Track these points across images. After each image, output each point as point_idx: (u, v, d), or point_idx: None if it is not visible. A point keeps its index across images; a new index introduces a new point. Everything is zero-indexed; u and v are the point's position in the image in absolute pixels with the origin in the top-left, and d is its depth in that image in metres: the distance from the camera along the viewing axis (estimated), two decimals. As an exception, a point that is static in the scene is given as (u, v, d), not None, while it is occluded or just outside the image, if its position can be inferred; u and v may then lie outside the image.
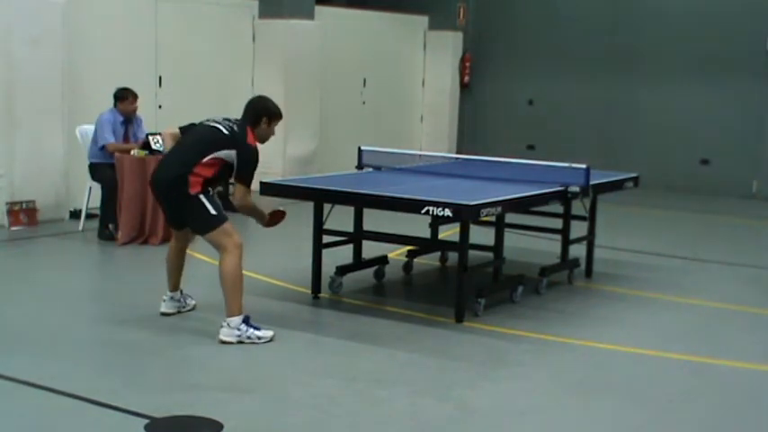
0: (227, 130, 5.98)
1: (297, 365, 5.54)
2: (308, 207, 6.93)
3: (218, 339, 5.85)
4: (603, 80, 14.47)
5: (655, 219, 11.52)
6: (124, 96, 9.09)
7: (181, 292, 6.48)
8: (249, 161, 5.94)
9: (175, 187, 5.92)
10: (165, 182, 6.01)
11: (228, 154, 5.92)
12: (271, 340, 5.87)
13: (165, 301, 6.41)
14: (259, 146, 6.08)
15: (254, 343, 5.83)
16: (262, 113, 6.09)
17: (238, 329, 5.84)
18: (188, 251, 6.52)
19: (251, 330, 5.87)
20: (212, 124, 6.05)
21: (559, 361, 5.80)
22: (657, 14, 14.02)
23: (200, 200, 5.90)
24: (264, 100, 6.24)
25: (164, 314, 6.37)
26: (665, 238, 8.92)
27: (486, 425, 4.76)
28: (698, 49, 13.63)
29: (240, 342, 5.82)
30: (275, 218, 6.33)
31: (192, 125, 6.21)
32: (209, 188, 6.00)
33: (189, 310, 6.49)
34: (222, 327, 5.87)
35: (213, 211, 5.91)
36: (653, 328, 6.64)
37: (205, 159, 5.89)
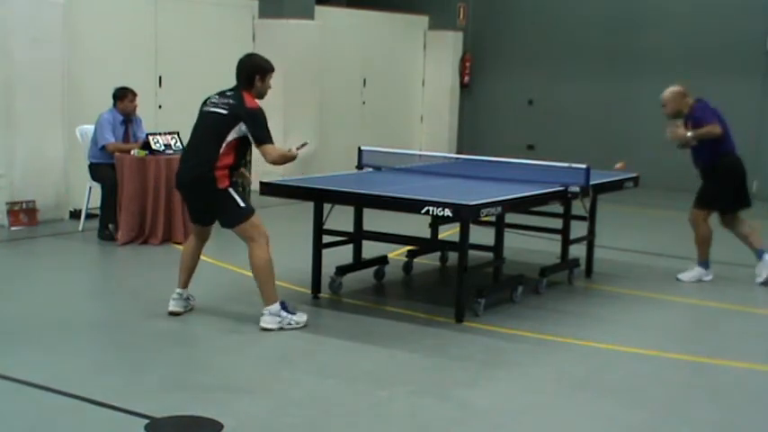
0: (225, 108, 6.01)
1: (297, 365, 5.54)
2: (308, 207, 6.93)
3: (260, 327, 6.02)
4: (603, 80, 14.47)
5: (655, 219, 11.51)
6: (123, 95, 9.09)
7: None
8: (258, 122, 6.01)
9: (204, 185, 6.02)
10: (191, 182, 6.11)
11: (238, 130, 5.99)
12: (306, 324, 6.10)
13: (174, 299, 6.40)
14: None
15: (293, 329, 6.04)
16: (253, 72, 6.12)
17: (279, 316, 6.04)
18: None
19: (290, 316, 6.08)
20: (211, 109, 6.08)
21: (559, 361, 5.80)
22: (657, 14, 14.02)
23: (229, 193, 6.02)
24: (252, 57, 6.30)
25: (172, 313, 6.36)
26: (665, 238, 8.93)
27: (486, 425, 4.76)
28: (698, 49, 13.62)
29: (281, 328, 6.01)
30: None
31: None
32: (234, 174, 6.11)
33: (188, 310, 6.49)
34: (263, 315, 6.03)
35: (242, 204, 6.06)
36: (653, 328, 6.65)
37: (222, 150, 5.96)
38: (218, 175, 5.97)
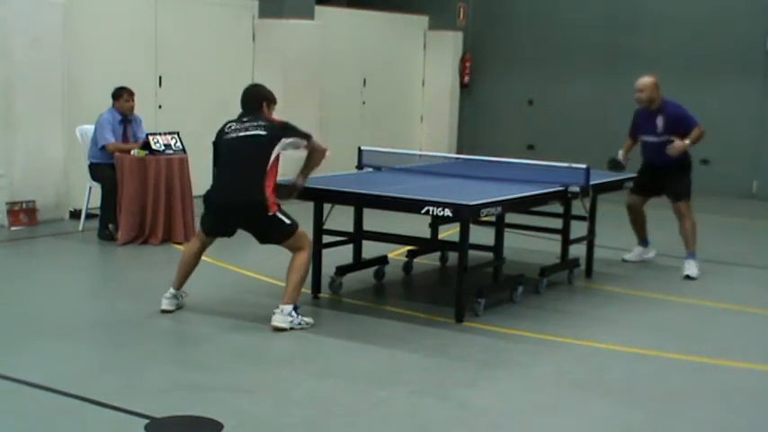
0: (262, 129, 6.20)
1: (297, 365, 5.54)
2: (308, 207, 6.92)
3: (272, 326, 6.06)
4: (603, 80, 14.45)
5: (655, 219, 11.48)
6: (119, 95, 9.10)
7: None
8: (292, 129, 6.28)
9: (255, 211, 6.13)
10: (239, 208, 6.18)
11: (281, 146, 6.19)
12: (313, 325, 6.18)
13: (167, 298, 6.42)
14: None
15: (303, 329, 6.08)
16: (261, 100, 6.39)
17: (290, 316, 6.08)
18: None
19: (300, 317, 6.13)
20: (243, 134, 6.21)
21: (559, 361, 5.79)
22: (657, 14, 14.01)
23: (278, 217, 6.17)
24: (259, 88, 6.54)
25: (164, 311, 6.38)
26: (665, 238, 8.91)
27: (487, 425, 4.75)
28: (698, 49, 13.62)
29: (292, 328, 6.06)
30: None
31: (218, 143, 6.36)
32: (278, 197, 6.29)
33: (179, 308, 6.50)
34: (275, 313, 6.08)
35: (288, 222, 6.20)
36: (653, 328, 6.64)
37: (268, 170, 6.13)
38: (270, 201, 6.11)
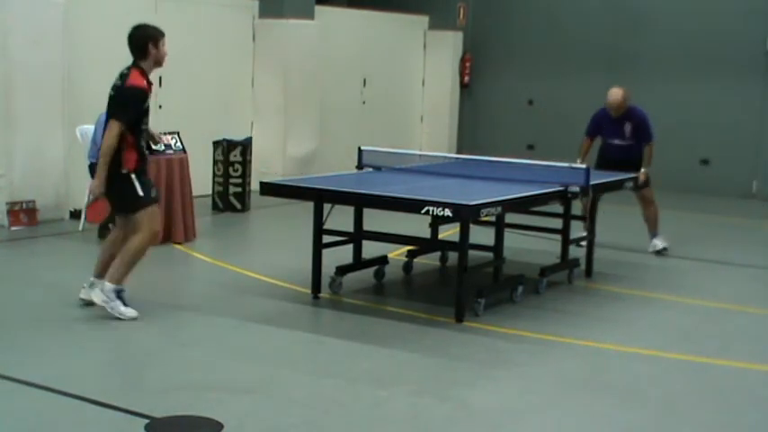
0: (113, 89, 6.10)
1: (297, 365, 5.54)
2: (308, 207, 6.92)
3: (90, 297, 5.99)
4: (603, 80, 14.37)
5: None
6: None
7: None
8: (120, 98, 6.01)
9: (111, 168, 6.04)
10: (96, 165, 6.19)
11: None
12: (134, 319, 5.98)
13: (85, 287, 6.42)
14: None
15: (116, 318, 5.94)
16: (145, 41, 6.17)
17: (108, 296, 5.98)
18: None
19: (117, 302, 6.00)
20: (109, 92, 6.16)
21: (559, 361, 5.80)
22: (657, 14, 14.01)
23: (131, 179, 6.02)
24: (140, 28, 6.27)
25: (84, 301, 6.39)
26: (665, 238, 8.94)
27: (486, 425, 4.76)
28: (698, 49, 13.62)
29: (103, 308, 5.94)
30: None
31: None
32: (143, 160, 6.08)
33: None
34: (95, 287, 6.00)
35: (141, 192, 6.05)
36: (653, 328, 6.65)
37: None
38: (124, 156, 5.98)
